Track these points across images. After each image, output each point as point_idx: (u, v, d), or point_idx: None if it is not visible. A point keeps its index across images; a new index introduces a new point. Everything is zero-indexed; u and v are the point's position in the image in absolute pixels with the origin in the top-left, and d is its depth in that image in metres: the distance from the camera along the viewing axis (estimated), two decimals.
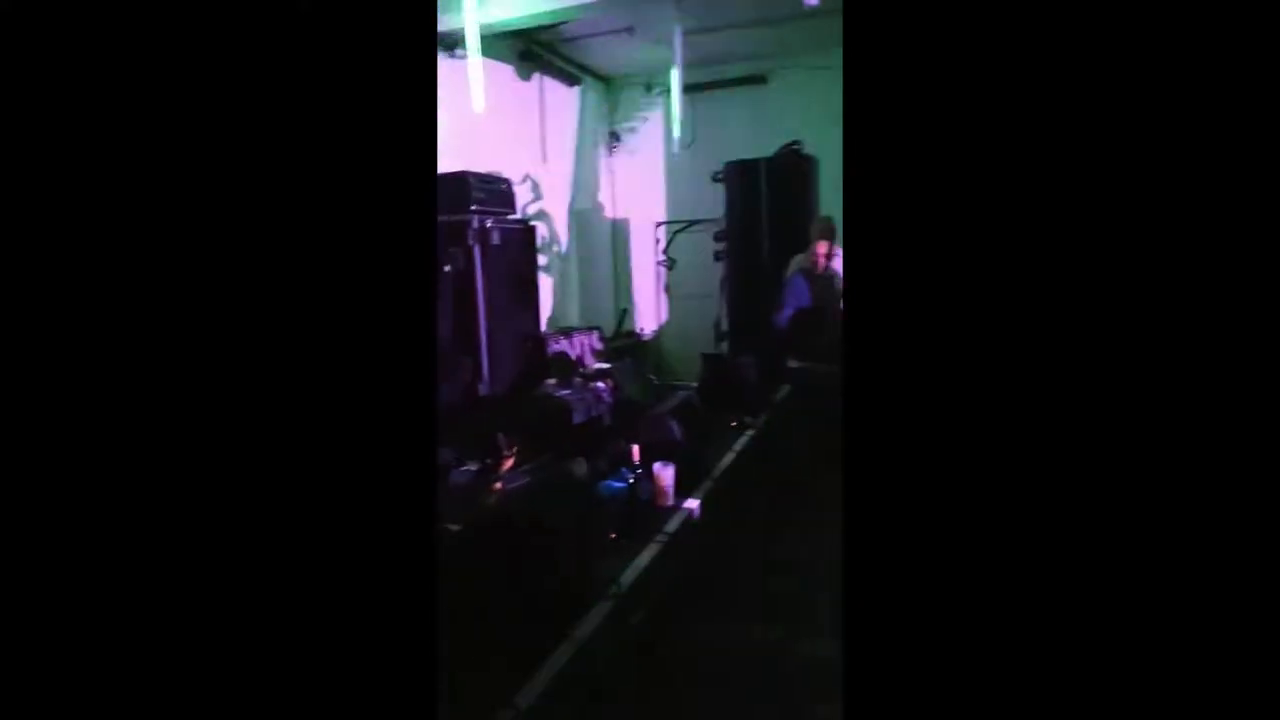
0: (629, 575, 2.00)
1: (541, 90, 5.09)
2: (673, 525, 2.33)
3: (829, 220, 4.05)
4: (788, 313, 3.72)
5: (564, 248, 5.48)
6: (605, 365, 3.87)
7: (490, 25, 3.76)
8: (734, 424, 3.46)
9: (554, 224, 5.33)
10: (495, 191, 3.98)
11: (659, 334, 6.13)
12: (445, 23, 3.74)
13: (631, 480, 2.53)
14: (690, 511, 2.46)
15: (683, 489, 2.58)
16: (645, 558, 2.11)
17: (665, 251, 5.71)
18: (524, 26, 4.11)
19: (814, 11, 3.05)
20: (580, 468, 2.40)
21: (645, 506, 2.46)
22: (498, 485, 2.76)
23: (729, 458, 3.01)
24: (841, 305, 3.66)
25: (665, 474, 2.51)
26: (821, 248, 3.76)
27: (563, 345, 4.47)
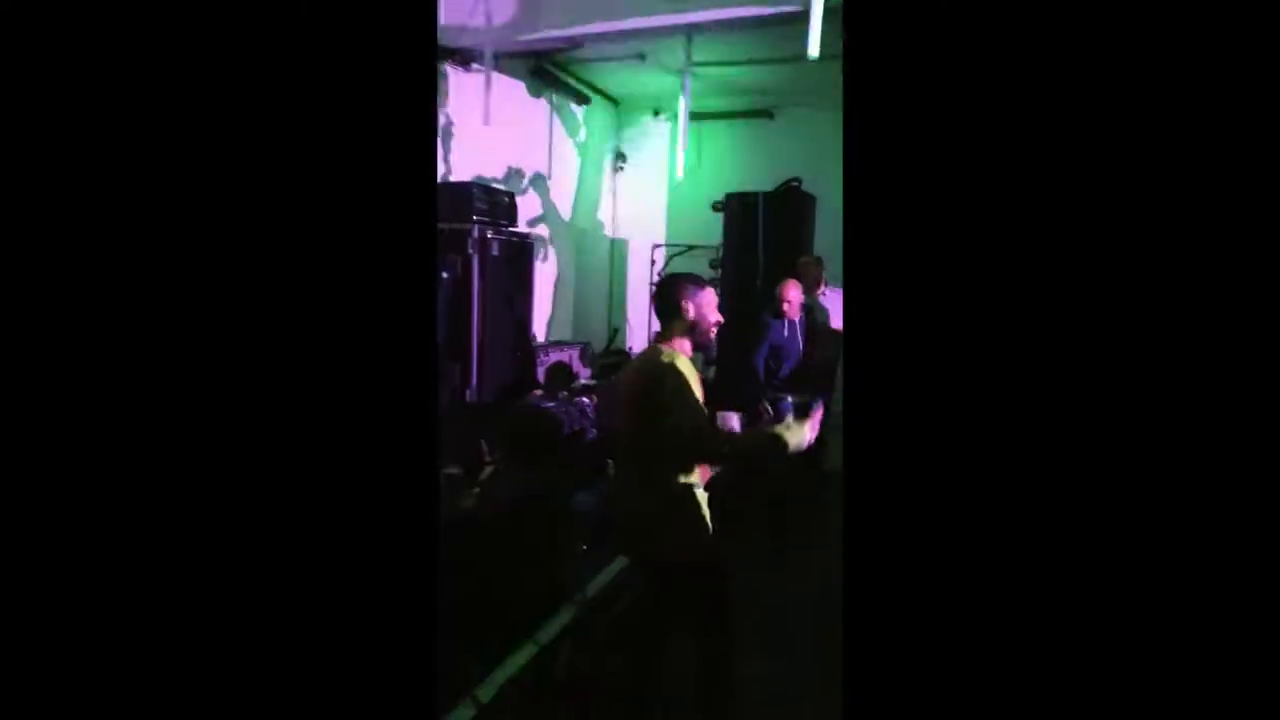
0: (594, 585, 2.06)
1: (551, 108, 5.22)
2: None
3: (810, 261, 4.14)
4: (762, 353, 3.72)
5: (562, 263, 5.58)
6: (591, 381, 3.94)
7: (507, 43, 3.88)
8: None
9: (554, 239, 5.43)
10: (498, 203, 4.08)
11: None
12: (463, 39, 3.86)
13: (606, 495, 2.60)
14: None
15: None
16: (613, 570, 2.18)
17: (661, 273, 5.82)
18: (539, 47, 4.23)
19: (818, 58, 3.17)
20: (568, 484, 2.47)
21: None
22: (475, 490, 2.83)
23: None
24: (802, 345, 3.70)
25: None
26: (789, 292, 3.62)
27: (553, 358, 4.55)
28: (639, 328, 6.22)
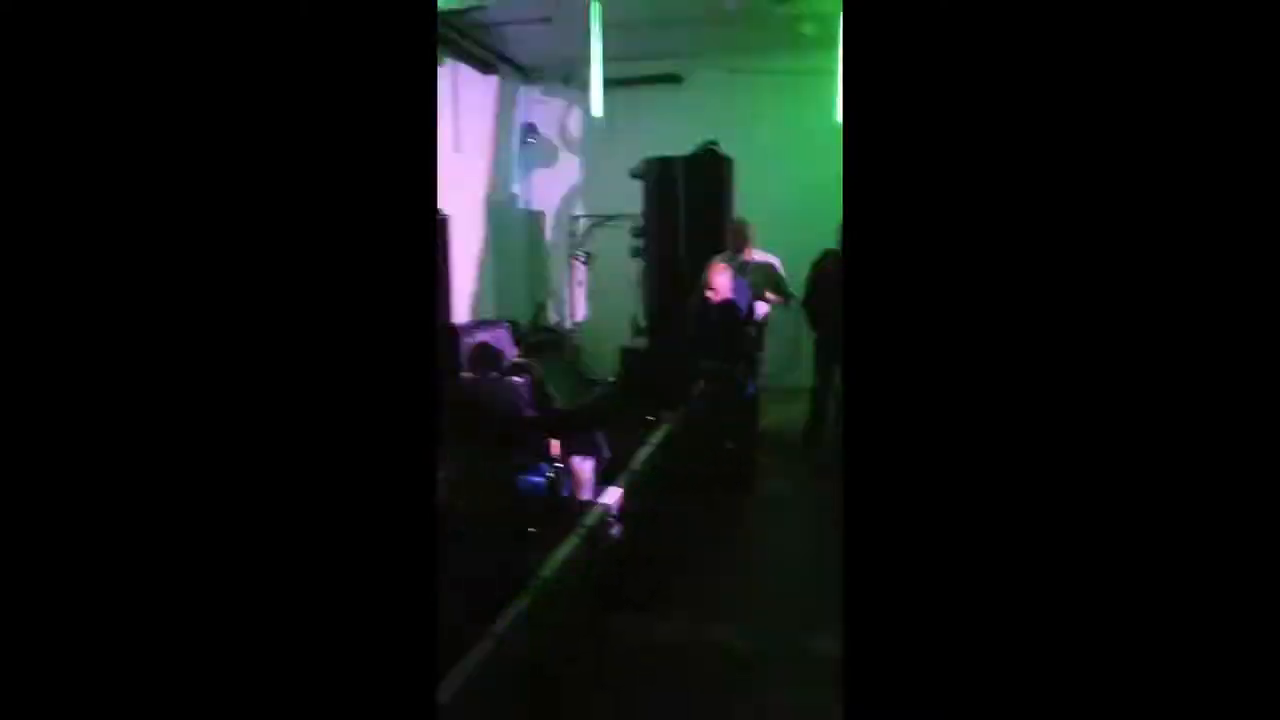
0: (547, 569, 1.99)
1: (455, 77, 4.98)
2: (592, 519, 2.34)
3: (738, 224, 4.15)
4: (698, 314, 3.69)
5: (478, 239, 5.39)
6: (523, 359, 3.83)
7: None
8: (650, 418, 3.50)
9: (467, 215, 5.22)
10: None
11: (577, 328, 6.12)
12: None
13: (550, 474, 2.53)
14: (608, 506, 2.47)
15: (602, 482, 2.59)
16: (564, 551, 2.11)
17: (582, 246, 5.71)
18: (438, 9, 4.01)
19: (731, 16, 3.12)
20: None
21: (565, 500, 2.46)
22: None
23: (646, 450, 3.04)
24: (745, 312, 3.71)
25: (584, 468, 2.52)
26: (717, 279, 3.61)
27: (477, 338, 4.39)
28: (563, 302, 6.11)
